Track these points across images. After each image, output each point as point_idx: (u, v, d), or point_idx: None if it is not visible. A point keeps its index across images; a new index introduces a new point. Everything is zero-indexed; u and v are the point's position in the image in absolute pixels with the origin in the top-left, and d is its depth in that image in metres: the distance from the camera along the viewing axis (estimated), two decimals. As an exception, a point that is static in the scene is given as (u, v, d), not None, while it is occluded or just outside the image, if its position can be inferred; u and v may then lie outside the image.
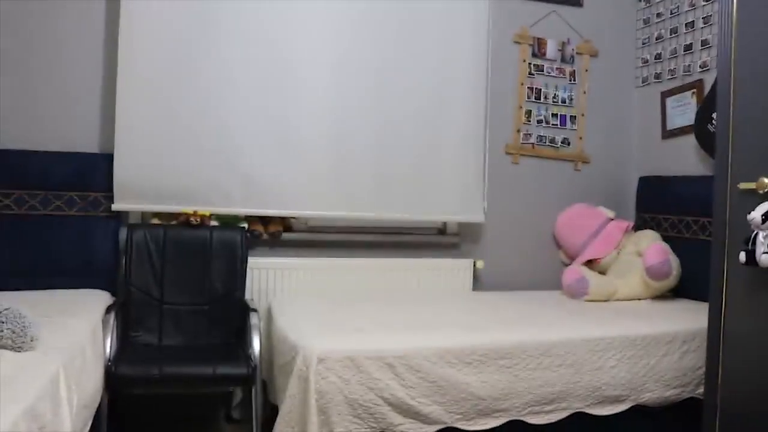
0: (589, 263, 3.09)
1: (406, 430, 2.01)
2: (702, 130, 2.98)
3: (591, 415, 2.25)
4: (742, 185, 1.84)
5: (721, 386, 1.93)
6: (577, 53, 3.36)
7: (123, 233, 2.58)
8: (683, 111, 3.13)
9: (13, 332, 1.67)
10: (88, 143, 2.66)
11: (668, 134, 3.24)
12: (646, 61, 3.40)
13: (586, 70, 3.38)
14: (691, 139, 3.07)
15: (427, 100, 2.97)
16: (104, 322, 2.22)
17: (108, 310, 2.33)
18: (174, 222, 2.65)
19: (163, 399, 2.55)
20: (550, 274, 3.24)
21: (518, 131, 3.28)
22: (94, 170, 2.60)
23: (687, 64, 3.12)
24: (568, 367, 2.20)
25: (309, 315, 2.38)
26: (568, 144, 3.37)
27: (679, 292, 2.99)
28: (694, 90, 3.06)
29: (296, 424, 1.95)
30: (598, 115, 3.42)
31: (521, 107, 3.27)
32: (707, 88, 2.98)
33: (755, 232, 1.75)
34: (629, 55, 3.47)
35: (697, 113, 3.02)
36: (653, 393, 2.32)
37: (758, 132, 1.84)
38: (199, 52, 2.65)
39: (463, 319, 2.44)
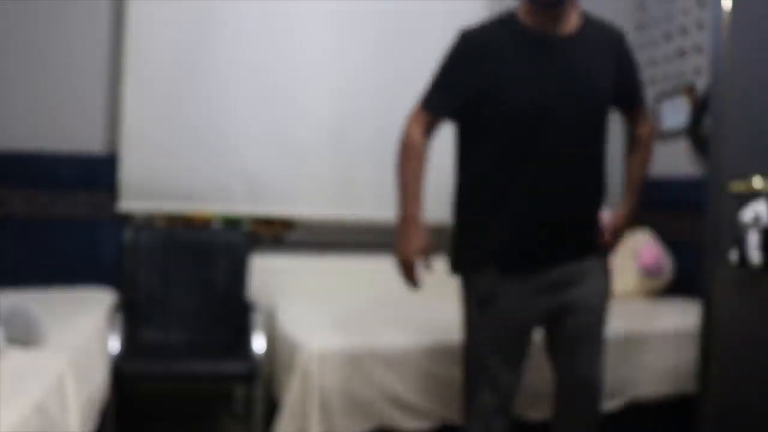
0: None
1: (406, 425, 2.04)
2: (695, 132, 3.04)
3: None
4: (734, 186, 1.88)
5: (714, 384, 1.97)
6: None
7: (128, 233, 2.60)
8: (677, 114, 3.18)
9: (21, 330, 1.71)
10: (93, 144, 2.68)
11: (663, 136, 3.28)
12: (641, 65, 3.44)
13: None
14: (684, 141, 3.13)
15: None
16: (110, 321, 2.26)
17: (114, 308, 2.36)
18: (178, 222, 2.69)
19: (167, 397, 2.57)
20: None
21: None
22: (100, 171, 2.64)
23: (680, 68, 3.17)
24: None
25: (310, 313, 2.41)
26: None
27: (672, 290, 3.04)
28: (688, 93, 3.11)
29: (298, 420, 1.97)
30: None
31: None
32: (700, 91, 3.03)
33: (746, 232, 1.80)
34: (624, 58, 3.51)
35: (691, 116, 3.07)
36: (648, 389, 2.36)
37: (749, 134, 1.88)
38: (204, 53, 2.69)
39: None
